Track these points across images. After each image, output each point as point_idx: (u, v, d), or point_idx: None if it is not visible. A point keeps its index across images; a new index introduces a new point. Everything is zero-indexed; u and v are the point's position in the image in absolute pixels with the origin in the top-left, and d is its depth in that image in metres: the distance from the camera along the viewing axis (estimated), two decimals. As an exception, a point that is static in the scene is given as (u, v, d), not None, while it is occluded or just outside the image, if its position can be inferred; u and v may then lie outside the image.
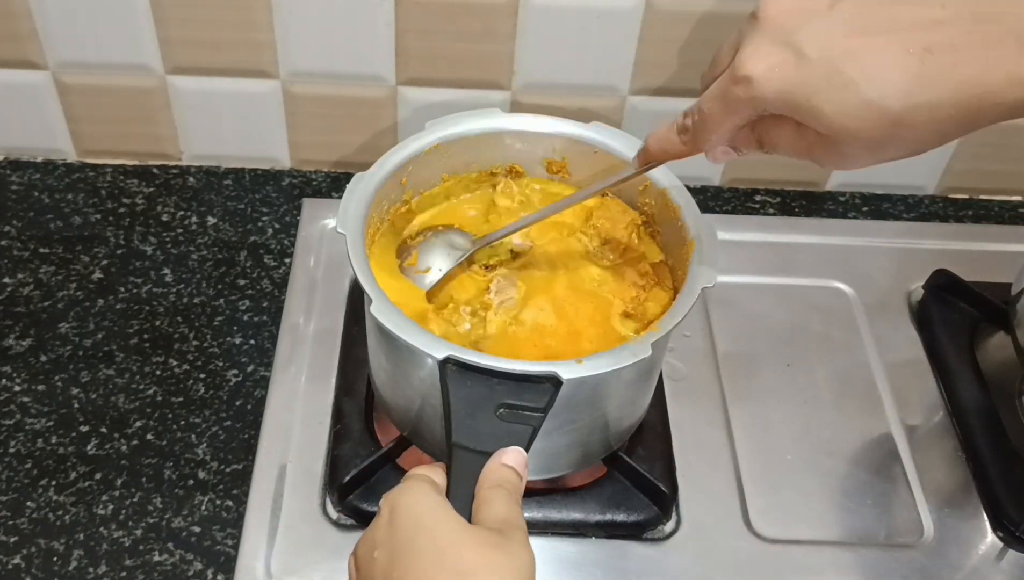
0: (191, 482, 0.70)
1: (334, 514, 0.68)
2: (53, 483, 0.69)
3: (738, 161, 0.92)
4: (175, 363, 0.77)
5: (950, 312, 0.81)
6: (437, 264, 0.66)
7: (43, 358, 0.77)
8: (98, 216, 0.88)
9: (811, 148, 0.47)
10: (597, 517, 0.67)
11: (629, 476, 0.68)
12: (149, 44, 0.83)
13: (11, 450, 0.71)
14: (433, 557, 0.45)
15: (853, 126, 0.44)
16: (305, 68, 0.85)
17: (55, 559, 0.65)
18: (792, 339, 0.81)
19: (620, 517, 0.67)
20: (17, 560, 0.65)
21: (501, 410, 0.52)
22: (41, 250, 0.85)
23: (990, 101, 0.42)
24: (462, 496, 0.49)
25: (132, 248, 0.85)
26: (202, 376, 0.76)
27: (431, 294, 0.66)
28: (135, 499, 0.69)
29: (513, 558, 0.46)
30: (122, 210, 0.89)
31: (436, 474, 0.51)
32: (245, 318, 0.81)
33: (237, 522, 0.67)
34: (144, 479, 0.70)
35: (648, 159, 0.57)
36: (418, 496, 0.48)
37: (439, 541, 0.45)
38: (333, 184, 0.93)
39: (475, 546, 0.45)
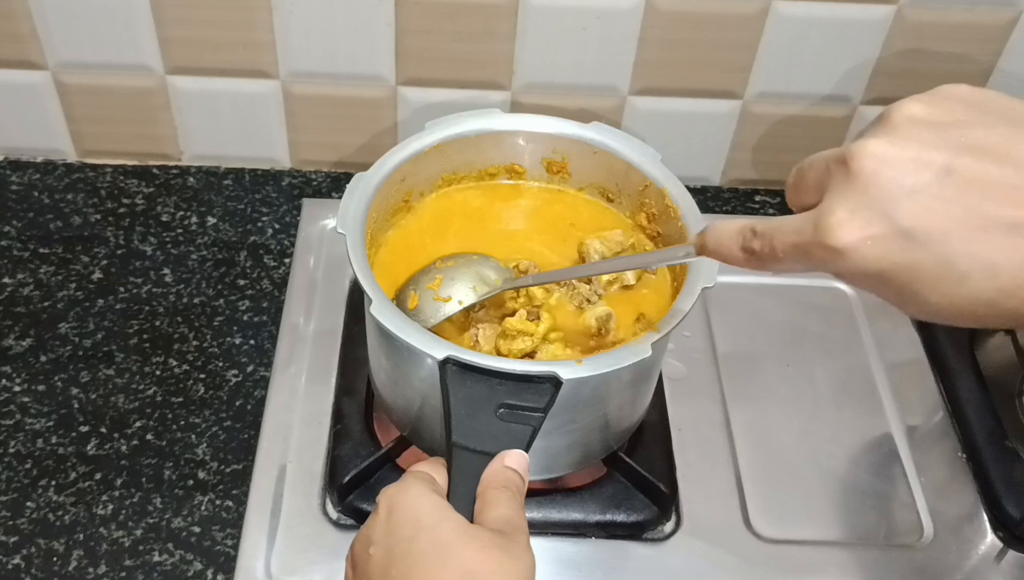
0: (191, 482, 0.70)
1: (334, 514, 0.68)
2: (53, 483, 0.69)
3: (738, 160, 0.93)
4: (175, 363, 0.77)
5: (950, 312, 0.81)
6: (459, 296, 0.62)
7: (43, 358, 0.77)
8: (98, 216, 0.88)
9: (905, 310, 0.41)
10: (597, 517, 0.67)
11: (629, 476, 0.68)
12: (149, 44, 0.83)
13: (11, 450, 0.71)
14: (437, 557, 0.45)
15: (961, 318, 0.39)
16: (305, 68, 0.85)
17: (55, 559, 0.65)
18: (792, 339, 0.81)
19: (620, 517, 0.67)
20: (17, 560, 0.65)
21: (501, 410, 0.52)
22: (41, 250, 0.85)
23: None
24: (462, 496, 0.49)
25: (132, 248, 0.85)
26: (202, 376, 0.76)
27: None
28: (135, 499, 0.69)
29: (517, 560, 0.45)
30: (122, 210, 0.89)
31: (436, 471, 0.51)
32: (245, 318, 0.81)
33: (237, 522, 0.67)
34: (144, 479, 0.70)
35: (702, 251, 0.49)
36: (418, 495, 0.48)
37: (442, 541, 0.45)
38: (333, 184, 0.93)
39: (480, 547, 0.45)
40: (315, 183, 0.93)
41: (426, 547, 0.45)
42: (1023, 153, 0.37)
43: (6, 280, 0.82)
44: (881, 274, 0.38)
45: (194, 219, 0.88)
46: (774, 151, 0.92)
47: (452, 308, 0.62)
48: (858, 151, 0.38)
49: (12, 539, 0.66)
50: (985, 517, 0.70)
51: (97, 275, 0.83)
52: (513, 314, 0.62)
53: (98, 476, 0.70)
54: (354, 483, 0.67)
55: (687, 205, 0.65)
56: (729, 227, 0.46)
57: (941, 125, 0.38)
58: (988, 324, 0.39)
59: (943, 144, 0.37)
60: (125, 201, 0.90)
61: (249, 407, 0.74)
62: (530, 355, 0.61)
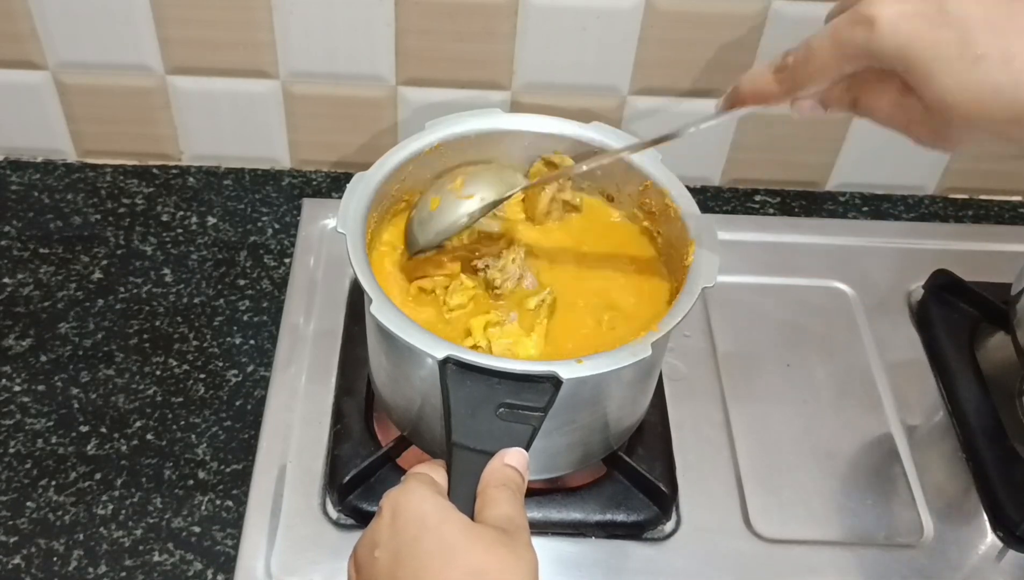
0: (191, 482, 0.70)
1: (334, 514, 0.68)
2: (53, 483, 0.69)
3: (738, 160, 0.93)
4: (175, 363, 0.77)
5: (950, 312, 0.81)
6: (481, 193, 0.61)
7: (43, 358, 0.77)
8: (98, 216, 0.88)
9: (910, 122, 0.43)
10: (597, 517, 0.67)
11: (629, 476, 0.68)
12: (149, 44, 0.83)
13: (11, 450, 0.71)
14: (443, 557, 0.45)
15: (970, 108, 0.39)
16: (305, 68, 0.85)
17: (55, 559, 0.65)
18: (792, 339, 0.81)
19: (620, 517, 0.67)
20: (17, 560, 0.65)
21: (501, 410, 0.52)
22: (41, 250, 0.85)
23: None
24: (463, 496, 0.49)
25: (132, 248, 0.85)
26: (202, 376, 0.76)
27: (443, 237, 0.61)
28: (135, 499, 0.69)
29: (521, 558, 0.46)
30: (122, 210, 0.89)
31: (436, 472, 0.51)
32: (245, 318, 0.81)
33: (237, 522, 0.67)
34: (144, 479, 0.70)
35: (736, 101, 0.50)
36: (421, 496, 0.48)
37: (447, 541, 0.45)
38: (333, 184, 0.93)
39: (485, 545, 0.45)
40: (315, 183, 0.93)
41: (432, 547, 0.45)
42: None
43: (6, 280, 0.82)
44: (904, 49, 0.40)
45: (194, 219, 0.88)
46: (774, 151, 0.92)
47: (474, 205, 0.61)
48: None
49: (12, 539, 0.66)
50: (985, 517, 0.70)
51: (97, 275, 0.83)
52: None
53: (98, 476, 0.70)
54: (354, 483, 0.67)
55: (687, 205, 0.65)
56: (760, 65, 0.48)
57: None
58: (980, 129, 0.40)
59: None
60: (125, 201, 0.90)
61: (249, 407, 0.74)
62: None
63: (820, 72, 0.44)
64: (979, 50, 0.38)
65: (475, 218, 0.61)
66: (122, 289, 0.82)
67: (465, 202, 0.61)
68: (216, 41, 0.83)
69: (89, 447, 0.71)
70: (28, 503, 0.68)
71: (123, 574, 0.65)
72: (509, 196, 0.63)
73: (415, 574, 0.44)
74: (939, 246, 0.88)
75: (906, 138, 0.44)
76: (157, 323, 0.80)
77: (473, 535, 0.46)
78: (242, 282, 0.83)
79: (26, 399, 0.74)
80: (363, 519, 0.67)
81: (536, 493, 0.67)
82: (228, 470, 0.71)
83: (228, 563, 0.65)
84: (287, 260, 0.85)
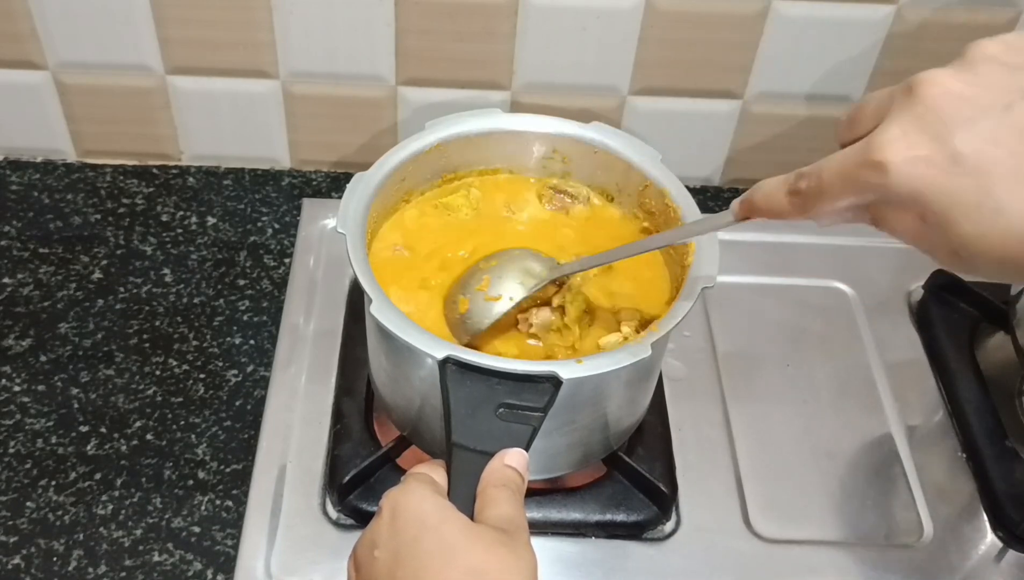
0: (191, 482, 0.70)
1: (334, 514, 0.68)
2: (53, 483, 0.69)
3: (738, 160, 0.93)
4: (175, 363, 0.77)
5: (950, 312, 0.81)
6: (509, 292, 0.62)
7: (43, 358, 0.77)
8: (98, 216, 0.88)
9: (934, 248, 0.41)
10: (597, 517, 0.67)
11: (629, 476, 0.68)
12: (149, 44, 0.83)
13: (11, 450, 0.71)
14: (443, 557, 0.45)
15: (993, 255, 0.38)
16: (305, 68, 0.85)
17: (55, 559, 0.65)
18: (792, 339, 0.81)
19: (620, 517, 0.67)
20: (17, 560, 0.65)
21: (501, 410, 0.52)
22: (41, 250, 0.85)
23: None
24: (462, 496, 0.49)
25: (132, 248, 0.85)
26: (202, 376, 0.76)
27: (478, 335, 0.62)
28: (135, 499, 0.69)
29: (521, 558, 0.46)
30: (122, 210, 0.89)
31: (436, 472, 0.51)
32: (245, 318, 0.81)
33: (237, 522, 0.67)
34: (144, 479, 0.70)
35: (750, 213, 0.49)
36: (421, 496, 0.48)
37: (446, 541, 0.45)
38: (333, 184, 0.93)
39: (485, 545, 0.45)
40: (315, 183, 0.93)
41: (432, 547, 0.45)
42: None
43: (6, 280, 0.82)
44: (919, 195, 0.39)
45: (194, 219, 0.88)
46: (774, 151, 0.92)
47: (504, 306, 0.61)
48: (926, 78, 0.39)
49: (12, 539, 0.66)
50: (985, 517, 0.70)
51: (97, 275, 0.83)
52: (550, 303, 0.63)
53: (98, 476, 0.70)
54: (354, 483, 0.67)
55: (687, 205, 0.65)
56: (775, 179, 0.47)
57: (1014, 67, 0.39)
58: (1009, 272, 0.39)
59: (1012, 85, 0.38)
60: (125, 201, 0.90)
61: (249, 407, 0.74)
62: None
63: (832, 203, 0.43)
64: (999, 201, 0.37)
65: (506, 313, 0.62)
66: (122, 289, 0.82)
67: (494, 304, 0.62)
68: (216, 41, 0.83)
69: (89, 447, 0.71)
70: (28, 503, 0.68)
71: (123, 574, 0.65)
72: (536, 289, 0.62)
73: (415, 574, 0.44)
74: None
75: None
76: (157, 323, 0.80)
77: (473, 535, 0.46)
78: (242, 282, 0.83)
79: (26, 399, 0.74)
80: (363, 519, 0.67)
81: (536, 493, 0.67)
82: (228, 470, 0.71)
83: (228, 563, 0.65)
84: (287, 260, 0.85)
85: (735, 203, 0.50)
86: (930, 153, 0.38)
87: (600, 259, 0.63)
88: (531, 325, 0.62)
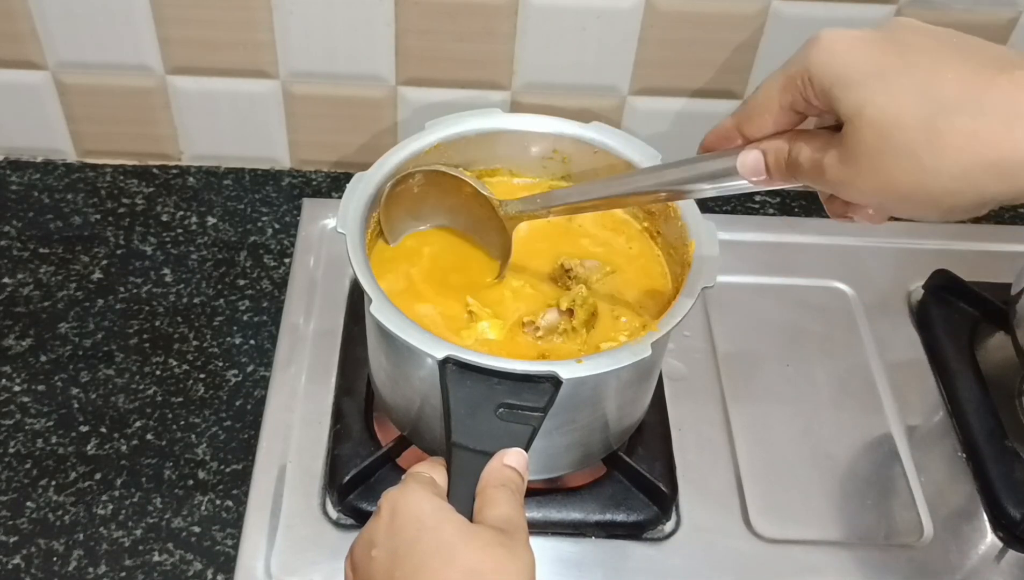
0: (191, 482, 0.70)
1: (334, 514, 0.68)
2: (53, 483, 0.69)
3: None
4: (175, 363, 0.77)
5: (950, 312, 0.81)
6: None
7: (43, 358, 0.77)
8: (98, 216, 0.88)
9: (841, 181, 0.43)
10: (597, 517, 0.67)
11: (629, 476, 0.68)
12: (149, 44, 0.83)
13: (11, 450, 0.71)
14: (441, 557, 0.45)
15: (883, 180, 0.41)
16: (305, 68, 0.85)
17: (55, 559, 0.65)
18: (792, 339, 0.81)
19: (620, 517, 0.67)
20: (17, 560, 0.65)
21: (501, 410, 0.52)
22: (41, 250, 0.85)
23: None
24: (462, 496, 0.49)
25: (132, 248, 0.85)
26: (202, 376, 0.76)
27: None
28: (135, 499, 0.69)
29: (518, 558, 0.46)
30: (122, 210, 0.89)
31: (436, 472, 0.51)
32: (245, 318, 0.81)
33: (237, 522, 0.67)
34: (144, 479, 0.70)
35: (704, 147, 0.53)
36: (419, 497, 0.48)
37: (445, 541, 0.45)
38: (333, 184, 0.93)
39: (482, 546, 0.45)
40: (315, 183, 0.93)
41: (429, 547, 0.45)
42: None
43: (6, 280, 0.82)
44: (832, 75, 0.41)
45: (194, 219, 0.88)
46: (774, 151, 0.92)
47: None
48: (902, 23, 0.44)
49: (12, 539, 0.66)
50: (985, 517, 0.70)
51: (97, 275, 0.83)
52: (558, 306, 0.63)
53: (98, 476, 0.70)
54: (354, 483, 0.67)
55: (687, 205, 0.65)
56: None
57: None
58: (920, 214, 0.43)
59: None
60: (125, 201, 0.90)
61: (249, 407, 0.74)
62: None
63: (766, 98, 0.45)
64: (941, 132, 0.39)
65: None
66: (122, 289, 0.82)
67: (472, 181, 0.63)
68: (216, 41, 0.83)
69: (89, 447, 0.71)
70: (28, 503, 0.68)
71: (123, 574, 0.65)
72: (552, 203, 0.62)
73: (412, 574, 0.45)
74: (939, 246, 0.88)
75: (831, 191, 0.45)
76: (157, 323, 0.80)
77: (470, 535, 0.46)
78: (242, 282, 0.83)
79: (26, 399, 0.74)
80: (363, 519, 0.67)
81: (536, 493, 0.67)
82: (228, 470, 0.71)
83: (228, 563, 0.65)
84: (287, 260, 0.85)
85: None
86: (866, 34, 0.42)
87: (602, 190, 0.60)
88: (538, 328, 0.62)
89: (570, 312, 0.63)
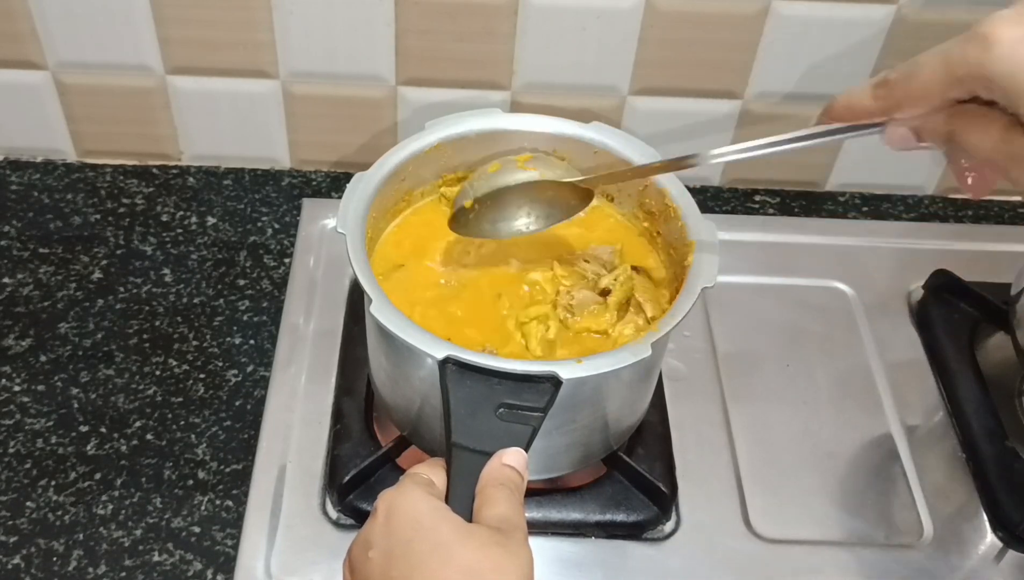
0: (191, 482, 0.70)
1: (334, 514, 0.68)
2: (53, 483, 0.69)
3: (739, 163, 0.93)
4: (175, 363, 0.77)
5: (950, 312, 0.81)
6: (542, 171, 0.62)
7: (43, 358, 0.77)
8: (98, 216, 0.88)
9: (1012, 161, 0.40)
10: (597, 517, 0.67)
11: (629, 476, 0.68)
12: (149, 44, 0.83)
13: (11, 450, 0.71)
14: (436, 557, 0.45)
15: None
16: (305, 68, 0.85)
17: (55, 559, 0.65)
18: (792, 339, 0.81)
19: (620, 517, 0.67)
20: (17, 560, 0.65)
21: (501, 410, 0.52)
22: (41, 250, 0.85)
23: None
24: (462, 496, 0.49)
25: (132, 248, 0.85)
26: (202, 376, 0.76)
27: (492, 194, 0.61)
28: (135, 499, 0.69)
29: (515, 557, 0.46)
30: (122, 210, 0.89)
31: (435, 473, 0.51)
32: (245, 318, 0.81)
33: (237, 522, 0.67)
34: (144, 479, 0.70)
35: (830, 116, 0.47)
36: (416, 497, 0.48)
37: (441, 541, 0.45)
38: (333, 184, 0.93)
39: (478, 545, 0.45)
40: (315, 183, 0.93)
41: (425, 547, 0.45)
42: None
43: (6, 280, 0.82)
44: (1019, 75, 0.37)
45: (194, 219, 0.88)
46: (774, 151, 0.92)
47: (531, 176, 0.61)
48: None
49: (12, 539, 0.66)
50: (985, 517, 0.70)
51: (97, 275, 0.83)
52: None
53: (98, 476, 0.70)
54: (354, 483, 0.67)
55: (687, 205, 0.65)
56: (860, 83, 0.45)
57: None
58: None
59: None
60: (125, 201, 0.90)
61: (249, 407, 0.74)
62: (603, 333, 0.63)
63: (923, 92, 0.41)
64: None
65: (526, 182, 0.62)
66: (122, 289, 0.82)
67: (524, 173, 0.62)
68: (216, 41, 0.83)
69: (89, 447, 0.71)
70: (28, 503, 0.68)
71: (123, 574, 0.65)
72: (571, 180, 0.62)
73: (408, 574, 0.44)
74: (939, 246, 0.88)
75: (1006, 179, 0.42)
76: (157, 323, 0.80)
77: (467, 535, 0.46)
78: (242, 282, 0.83)
79: (26, 399, 0.74)
80: (363, 519, 0.66)
81: (536, 493, 0.67)
82: (228, 470, 0.71)
83: (228, 563, 0.65)
84: (287, 260, 0.85)
85: (819, 115, 0.48)
86: None
87: (642, 170, 0.61)
88: (572, 297, 0.63)
89: (606, 291, 0.63)
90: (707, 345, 0.79)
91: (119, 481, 0.70)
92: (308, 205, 0.89)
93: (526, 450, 0.51)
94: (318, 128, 0.90)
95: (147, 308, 0.81)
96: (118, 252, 0.85)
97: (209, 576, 0.65)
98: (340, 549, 0.65)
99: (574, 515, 0.67)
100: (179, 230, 0.87)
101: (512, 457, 0.51)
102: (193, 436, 0.72)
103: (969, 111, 0.40)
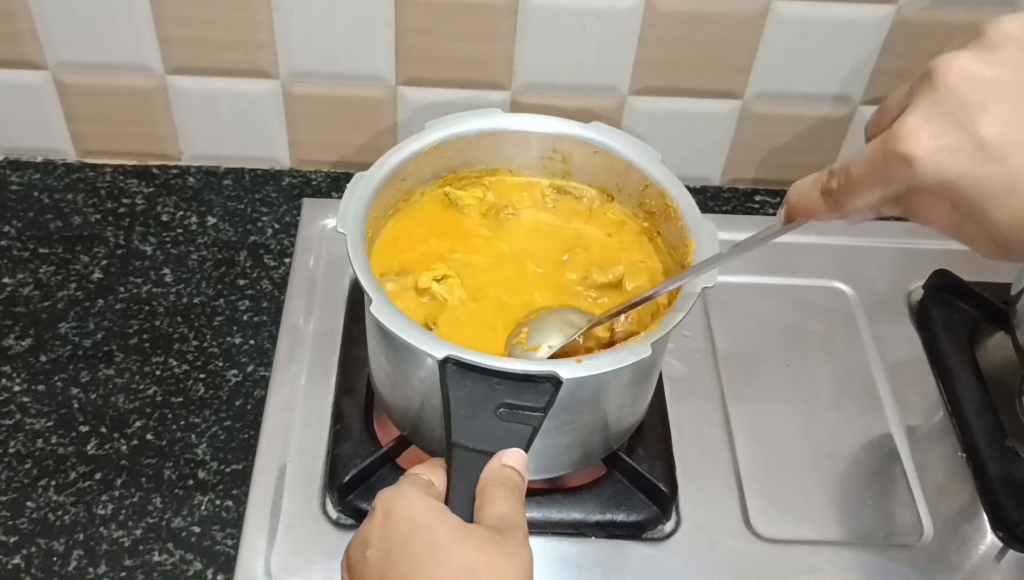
0: (191, 482, 0.70)
1: (334, 514, 0.68)
2: (53, 483, 0.69)
3: (738, 160, 0.93)
4: (175, 363, 0.77)
5: (950, 312, 0.81)
6: (548, 341, 0.61)
7: (43, 358, 0.77)
8: (98, 216, 0.88)
9: (969, 237, 0.40)
10: (597, 517, 0.67)
11: (629, 476, 0.68)
12: (149, 44, 0.83)
13: (11, 450, 0.71)
14: (433, 557, 0.45)
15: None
16: (305, 68, 0.85)
17: (55, 559, 0.65)
18: (792, 339, 0.81)
19: (620, 517, 0.67)
20: (17, 560, 0.65)
21: (501, 410, 0.52)
22: (41, 250, 0.85)
23: None
24: (461, 496, 0.49)
25: (132, 248, 0.85)
26: (202, 376, 0.76)
27: None
28: (135, 499, 0.69)
29: (513, 557, 0.46)
30: (122, 210, 0.89)
31: (434, 474, 0.51)
32: (245, 318, 0.81)
33: (237, 522, 0.67)
34: (144, 479, 0.70)
35: (791, 216, 0.48)
36: (413, 497, 0.48)
37: (438, 541, 0.45)
38: (333, 184, 0.93)
39: (475, 545, 0.45)
40: (315, 183, 0.93)
41: (422, 547, 0.45)
42: None
43: (6, 280, 0.82)
44: (949, 185, 0.38)
45: (194, 219, 0.88)
46: (774, 151, 0.92)
47: (543, 354, 0.61)
48: (944, 62, 0.38)
49: (12, 539, 0.66)
50: (985, 517, 0.70)
51: (97, 275, 0.83)
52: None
53: (98, 476, 0.70)
54: (354, 483, 0.67)
55: (687, 205, 0.65)
56: (807, 179, 0.46)
57: None
58: None
59: None
60: (125, 201, 0.90)
61: (249, 407, 0.74)
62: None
63: (863, 197, 0.42)
64: None
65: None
66: (122, 289, 0.82)
67: (534, 354, 0.61)
68: (216, 41, 0.83)
69: (89, 447, 0.71)
70: (28, 503, 0.68)
71: (123, 574, 0.65)
72: (575, 336, 0.62)
73: (405, 574, 0.44)
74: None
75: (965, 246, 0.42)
76: (157, 323, 0.80)
77: (464, 535, 0.46)
78: (242, 282, 0.83)
79: (26, 399, 0.74)
80: (363, 519, 0.66)
81: (536, 493, 0.67)
82: (228, 470, 0.71)
83: (228, 563, 0.65)
84: (287, 260, 0.85)
85: (779, 210, 0.49)
86: (955, 141, 0.37)
87: (638, 302, 0.61)
88: (587, 277, 0.65)
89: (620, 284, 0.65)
90: (707, 345, 0.79)
91: (119, 481, 0.70)
92: (308, 205, 0.89)
93: (526, 450, 0.51)
94: (318, 128, 0.90)
95: (147, 308, 0.81)
96: (118, 252, 0.85)
97: (209, 576, 0.65)
98: (340, 549, 0.64)
99: (574, 515, 0.67)
100: (179, 230, 0.87)
101: (512, 457, 0.51)
102: (193, 436, 0.72)
103: (916, 192, 0.41)
